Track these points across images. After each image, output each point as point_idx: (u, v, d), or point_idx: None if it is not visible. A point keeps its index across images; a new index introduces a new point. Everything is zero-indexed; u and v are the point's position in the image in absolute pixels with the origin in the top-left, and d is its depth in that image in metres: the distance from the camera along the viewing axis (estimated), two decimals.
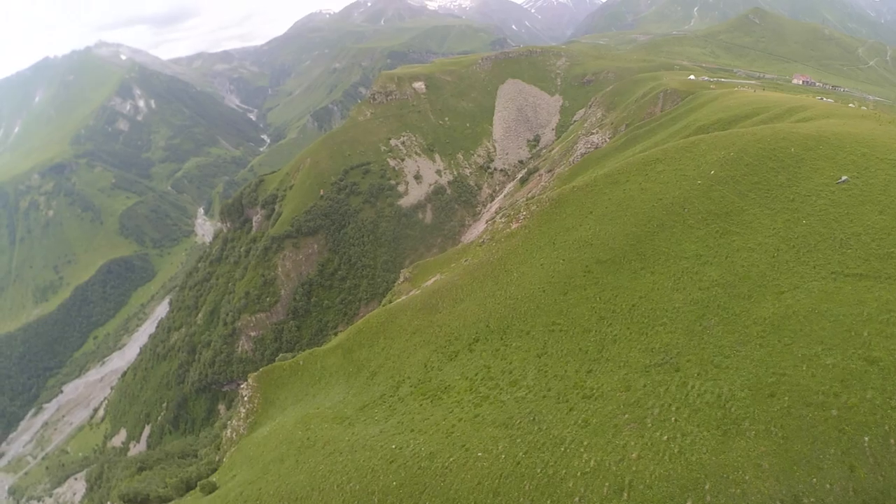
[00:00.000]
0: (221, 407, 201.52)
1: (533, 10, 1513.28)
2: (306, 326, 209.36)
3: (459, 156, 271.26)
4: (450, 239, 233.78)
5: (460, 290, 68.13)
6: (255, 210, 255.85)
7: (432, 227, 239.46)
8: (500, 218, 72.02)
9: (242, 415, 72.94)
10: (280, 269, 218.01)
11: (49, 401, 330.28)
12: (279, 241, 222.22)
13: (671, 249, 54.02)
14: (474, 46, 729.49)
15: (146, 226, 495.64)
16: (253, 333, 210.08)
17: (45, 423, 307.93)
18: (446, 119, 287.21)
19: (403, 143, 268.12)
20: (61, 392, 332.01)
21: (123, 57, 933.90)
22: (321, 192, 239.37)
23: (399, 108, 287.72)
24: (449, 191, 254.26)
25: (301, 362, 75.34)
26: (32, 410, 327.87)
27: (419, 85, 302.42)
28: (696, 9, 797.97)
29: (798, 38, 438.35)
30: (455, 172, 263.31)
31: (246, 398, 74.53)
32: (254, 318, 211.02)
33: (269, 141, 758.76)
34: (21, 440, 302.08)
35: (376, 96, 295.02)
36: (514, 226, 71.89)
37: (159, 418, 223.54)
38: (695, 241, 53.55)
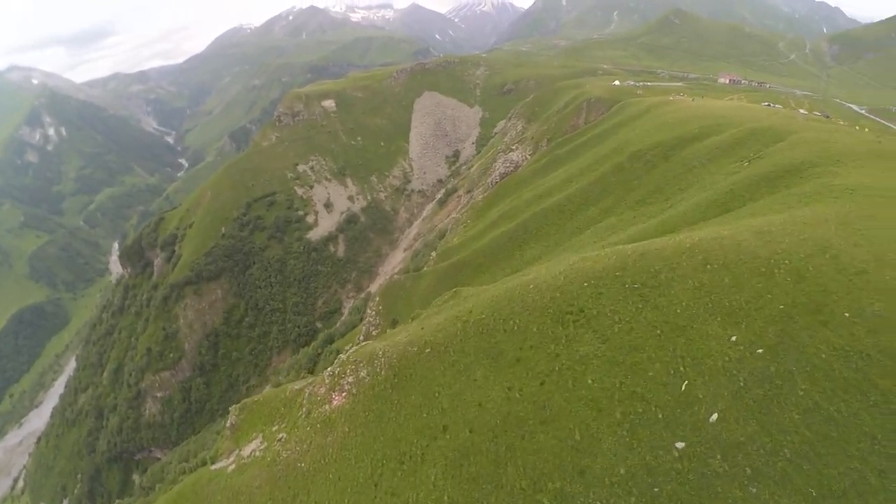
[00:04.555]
0: (136, 477, 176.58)
1: (456, 20, 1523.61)
2: (215, 383, 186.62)
3: (373, 178, 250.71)
4: (366, 273, 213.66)
5: None
6: (156, 252, 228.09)
7: (346, 260, 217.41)
8: (328, 375, 50.68)
9: None
10: (182, 321, 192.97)
11: None
12: (179, 288, 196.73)
13: None
14: (396, 58, 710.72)
15: (57, 267, 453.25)
16: (159, 394, 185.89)
17: None
18: (359, 139, 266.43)
19: (312, 168, 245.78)
20: None
21: (35, 81, 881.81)
22: (222, 230, 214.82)
23: (307, 129, 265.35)
24: (363, 218, 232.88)
25: None
26: None
27: (329, 103, 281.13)
28: (616, 13, 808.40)
29: (719, 37, 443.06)
30: (369, 197, 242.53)
31: None
32: (158, 378, 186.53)
33: (186, 165, 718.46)
34: None
35: (282, 118, 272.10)
36: (335, 401, 49.08)
37: (76, 491, 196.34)
38: None
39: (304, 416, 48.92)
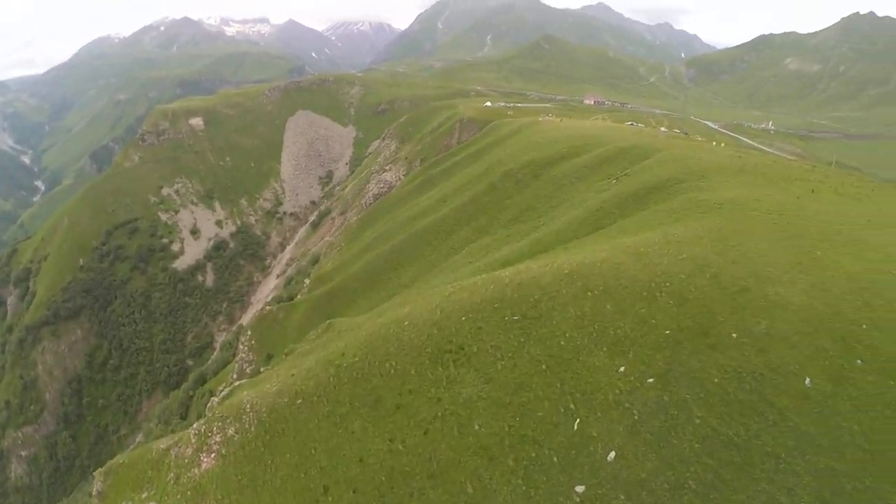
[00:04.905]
0: None
1: (333, 38, 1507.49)
2: (83, 435, 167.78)
3: (243, 201, 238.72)
4: (237, 303, 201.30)
5: None
6: (9, 290, 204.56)
7: (215, 290, 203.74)
8: (194, 434, 44.01)
9: None
10: (41, 367, 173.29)
11: None
12: (35, 330, 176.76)
13: None
14: (271, 74, 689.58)
15: None
16: (24, 453, 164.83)
17: None
18: (228, 159, 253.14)
19: (177, 191, 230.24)
20: None
21: None
22: (80, 262, 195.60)
23: (173, 149, 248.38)
24: (232, 244, 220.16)
25: None
26: None
27: (197, 121, 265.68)
28: (489, 37, 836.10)
29: (585, 60, 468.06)
30: (239, 221, 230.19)
31: None
32: (21, 434, 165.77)
33: (43, 189, 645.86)
34: None
35: (146, 137, 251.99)
36: (203, 463, 42.93)
37: None
38: None
39: (172, 481, 42.58)
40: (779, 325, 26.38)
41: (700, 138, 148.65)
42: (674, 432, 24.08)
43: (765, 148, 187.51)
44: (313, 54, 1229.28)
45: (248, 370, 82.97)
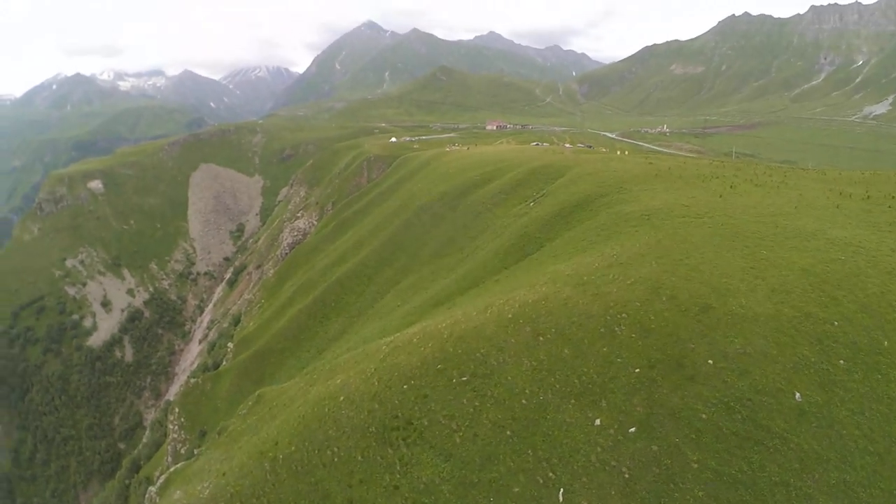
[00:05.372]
0: None
1: (231, 86, 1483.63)
2: None
3: (153, 266, 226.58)
4: (161, 375, 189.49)
5: None
6: None
7: (136, 364, 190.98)
8: None
9: None
10: None
11: None
12: None
13: None
14: (169, 129, 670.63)
15: None
16: None
17: None
18: (132, 222, 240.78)
19: (82, 261, 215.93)
20: None
21: None
22: None
23: (73, 216, 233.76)
24: (147, 313, 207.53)
25: None
26: None
27: (95, 184, 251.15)
28: (387, 73, 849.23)
29: (482, 88, 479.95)
30: (151, 288, 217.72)
31: None
32: None
33: None
34: None
35: (44, 205, 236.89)
36: None
37: None
38: None
39: None
40: (754, 342, 24.75)
41: (604, 150, 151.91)
42: (672, 484, 21.47)
43: (664, 150, 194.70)
44: (212, 104, 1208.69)
45: (182, 450, 78.06)
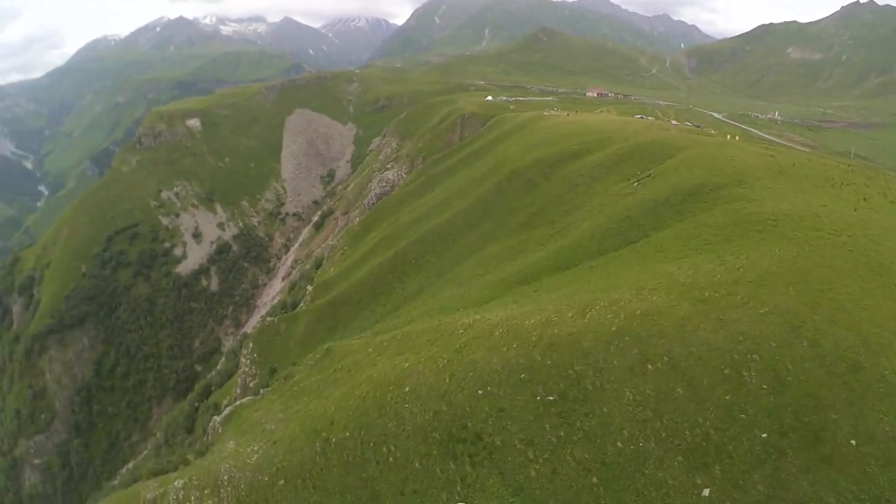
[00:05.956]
0: None
1: (330, 35, 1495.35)
2: (95, 443, 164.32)
3: (244, 203, 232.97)
4: (243, 306, 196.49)
5: None
6: (13, 298, 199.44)
7: (220, 294, 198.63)
8: (173, 499, 39.00)
9: None
10: (49, 376, 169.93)
11: None
12: (41, 339, 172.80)
13: None
14: (269, 73, 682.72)
15: None
16: (37, 461, 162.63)
17: None
18: (227, 160, 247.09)
19: (177, 194, 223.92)
20: None
21: None
22: (83, 269, 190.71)
23: (170, 151, 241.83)
24: (235, 247, 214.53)
25: None
26: None
27: (194, 122, 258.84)
28: (486, 30, 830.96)
29: (584, 52, 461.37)
30: (241, 223, 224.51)
31: None
32: (33, 443, 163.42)
33: (46, 193, 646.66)
34: None
35: (143, 139, 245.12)
36: None
37: None
38: None
39: None
40: None
41: (714, 131, 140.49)
42: None
43: (775, 139, 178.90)
44: (310, 52, 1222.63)
45: (251, 384, 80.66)
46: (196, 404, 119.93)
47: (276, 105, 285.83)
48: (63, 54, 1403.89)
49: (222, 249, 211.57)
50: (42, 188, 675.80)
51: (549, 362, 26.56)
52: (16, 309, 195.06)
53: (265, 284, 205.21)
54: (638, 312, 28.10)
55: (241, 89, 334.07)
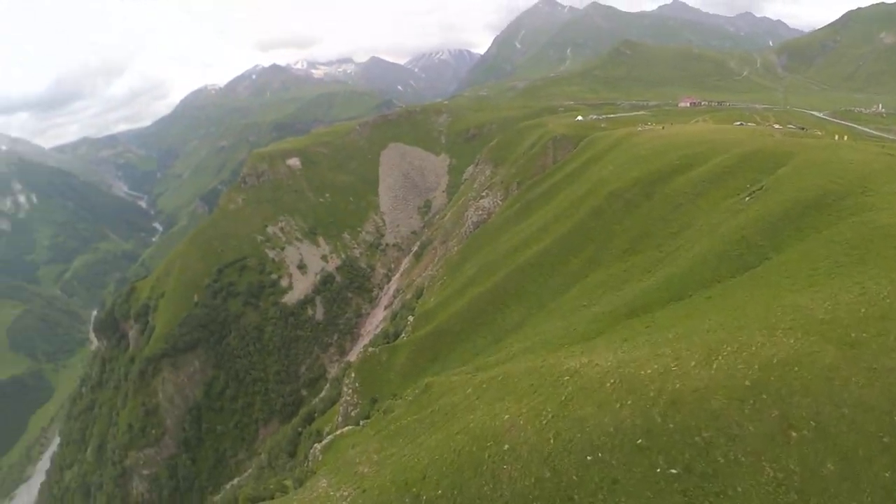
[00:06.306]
0: None
1: (416, 70, 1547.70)
2: (202, 459, 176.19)
3: (346, 235, 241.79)
4: (347, 335, 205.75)
5: None
6: (129, 324, 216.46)
7: (325, 323, 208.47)
8: None
9: None
10: (162, 395, 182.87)
11: None
12: (155, 361, 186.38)
13: None
14: (361, 111, 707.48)
15: (37, 338, 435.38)
16: (146, 472, 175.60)
17: None
18: (327, 195, 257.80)
19: (282, 228, 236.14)
20: None
21: (3, 147, 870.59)
22: (195, 299, 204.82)
23: (273, 189, 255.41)
24: (338, 277, 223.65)
25: None
26: None
27: (294, 161, 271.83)
28: (568, 50, 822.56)
29: (669, 61, 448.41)
30: (343, 255, 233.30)
31: None
32: (143, 455, 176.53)
33: (160, 229, 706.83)
34: None
35: (247, 179, 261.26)
36: None
37: None
38: None
39: None
40: None
41: (819, 132, 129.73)
42: None
43: (886, 135, 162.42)
44: (399, 87, 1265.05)
45: (352, 413, 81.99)
46: (299, 429, 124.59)
47: (370, 141, 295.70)
48: (168, 104, 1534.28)
49: (326, 280, 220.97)
50: (157, 225, 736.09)
51: (671, 426, 22.95)
52: (132, 334, 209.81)
53: (368, 313, 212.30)
54: (775, 361, 24.02)
55: (335, 128, 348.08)
